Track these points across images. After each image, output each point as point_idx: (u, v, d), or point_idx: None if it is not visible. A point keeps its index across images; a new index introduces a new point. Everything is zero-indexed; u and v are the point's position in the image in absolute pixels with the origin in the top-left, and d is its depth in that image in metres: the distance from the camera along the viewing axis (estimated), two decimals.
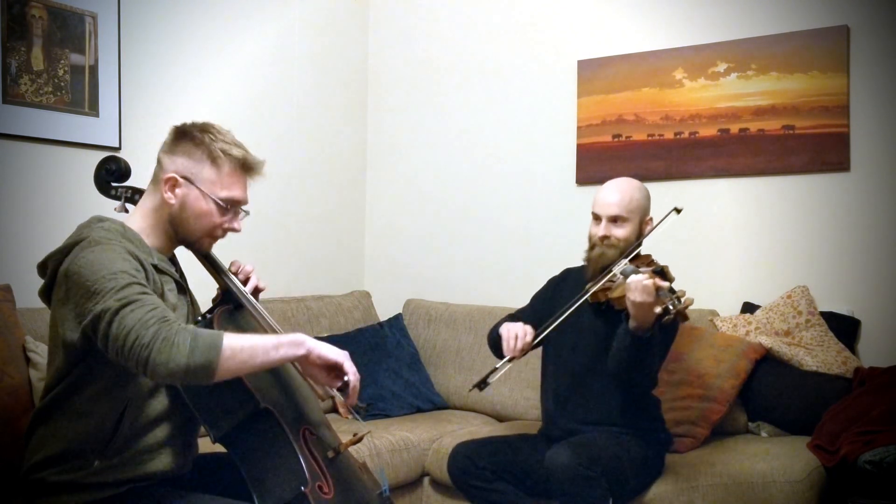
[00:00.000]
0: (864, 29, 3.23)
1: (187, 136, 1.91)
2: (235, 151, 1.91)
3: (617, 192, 2.71)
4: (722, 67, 3.47)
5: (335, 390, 1.93)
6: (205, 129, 1.92)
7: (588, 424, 2.69)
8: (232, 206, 1.94)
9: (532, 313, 2.90)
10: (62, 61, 3.02)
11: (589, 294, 2.63)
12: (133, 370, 1.67)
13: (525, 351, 2.60)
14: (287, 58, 3.95)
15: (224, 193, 1.91)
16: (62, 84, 3.02)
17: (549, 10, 3.91)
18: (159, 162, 1.93)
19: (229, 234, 2.01)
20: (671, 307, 2.29)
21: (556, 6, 3.89)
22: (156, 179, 1.93)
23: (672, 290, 2.36)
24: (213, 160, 1.89)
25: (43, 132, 2.98)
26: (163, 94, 3.34)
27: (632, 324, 2.44)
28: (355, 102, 4.32)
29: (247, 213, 1.99)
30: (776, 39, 3.37)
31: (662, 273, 2.47)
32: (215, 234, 1.96)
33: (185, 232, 1.93)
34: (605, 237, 2.69)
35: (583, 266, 2.89)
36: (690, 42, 3.55)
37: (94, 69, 3.12)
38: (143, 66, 3.30)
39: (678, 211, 2.62)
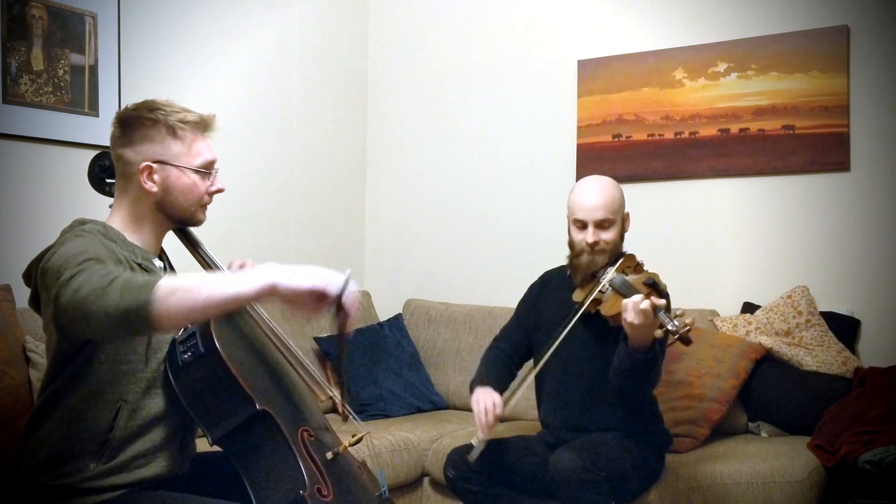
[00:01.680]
0: (864, 29, 3.23)
1: (137, 122, 1.88)
2: (190, 117, 1.90)
3: (600, 195, 2.61)
4: (722, 67, 3.47)
5: (333, 390, 1.87)
6: (150, 107, 1.89)
7: (586, 432, 2.66)
8: (209, 170, 1.93)
9: (518, 327, 2.87)
10: (62, 61, 3.02)
11: (582, 308, 2.56)
12: (82, 334, 1.59)
13: (497, 422, 2.54)
14: (287, 57, 3.95)
15: (198, 161, 1.90)
16: (62, 84, 3.02)
17: (549, 10, 3.91)
18: (121, 157, 1.89)
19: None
20: (671, 328, 2.23)
21: (556, 6, 3.89)
22: (125, 174, 1.89)
23: (668, 308, 2.30)
24: (175, 134, 1.87)
25: (43, 132, 2.98)
26: (163, 94, 3.29)
27: (632, 343, 2.37)
28: (355, 102, 4.32)
29: (217, 169, 1.97)
30: (776, 39, 3.37)
31: (655, 285, 2.41)
32: (204, 201, 1.95)
33: (177, 212, 1.91)
34: (595, 243, 2.59)
35: (562, 267, 2.84)
36: (690, 42, 3.55)
37: (94, 69, 3.12)
38: (143, 66, 3.30)
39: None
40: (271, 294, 1.59)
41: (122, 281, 1.55)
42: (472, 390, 2.68)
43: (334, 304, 1.63)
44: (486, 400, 2.54)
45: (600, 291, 2.53)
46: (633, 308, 2.27)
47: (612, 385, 2.57)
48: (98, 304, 1.53)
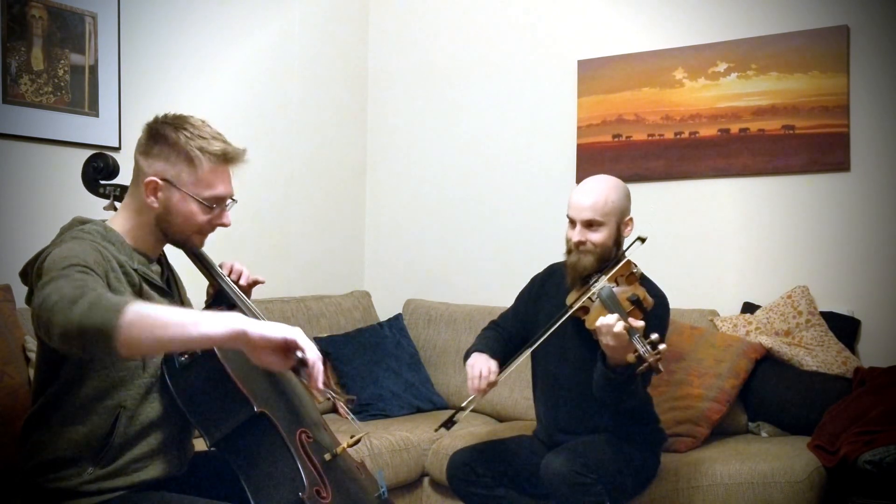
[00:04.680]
0: (864, 29, 3.23)
1: (161, 137, 1.84)
2: (214, 147, 1.84)
3: (591, 195, 2.57)
4: (722, 67, 3.47)
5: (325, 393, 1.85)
6: (179, 125, 1.85)
7: (580, 434, 2.65)
8: (217, 204, 1.88)
9: (514, 318, 2.86)
10: (62, 61, 3.02)
11: (568, 313, 2.53)
12: (45, 339, 1.56)
13: (490, 388, 2.54)
14: (287, 58, 3.95)
15: (207, 193, 1.85)
16: (62, 84, 3.02)
17: (549, 10, 3.91)
18: (136, 162, 1.88)
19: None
20: (644, 355, 2.17)
21: (556, 6, 3.89)
22: (136, 181, 1.88)
23: (646, 335, 2.22)
24: (191, 162, 1.82)
25: (43, 132, 2.98)
26: (163, 94, 3.34)
27: (609, 361, 2.35)
28: (355, 102, 4.32)
29: (234, 201, 1.93)
30: (776, 39, 3.37)
31: (639, 302, 2.37)
32: (204, 231, 1.91)
33: (173, 232, 1.89)
34: (580, 243, 2.56)
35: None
36: (690, 42, 3.54)
37: (94, 69, 3.12)
38: (143, 66, 3.30)
39: (643, 241, 2.50)
40: (239, 340, 1.54)
41: (93, 297, 1.51)
42: (466, 358, 2.68)
43: (300, 362, 1.61)
44: (481, 365, 2.55)
45: (589, 299, 2.50)
46: (607, 329, 2.25)
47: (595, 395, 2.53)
48: (63, 315, 1.48)
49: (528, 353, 2.58)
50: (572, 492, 2.38)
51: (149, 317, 1.49)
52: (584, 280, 2.58)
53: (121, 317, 1.47)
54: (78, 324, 1.47)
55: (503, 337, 2.81)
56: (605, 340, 2.28)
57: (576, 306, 2.50)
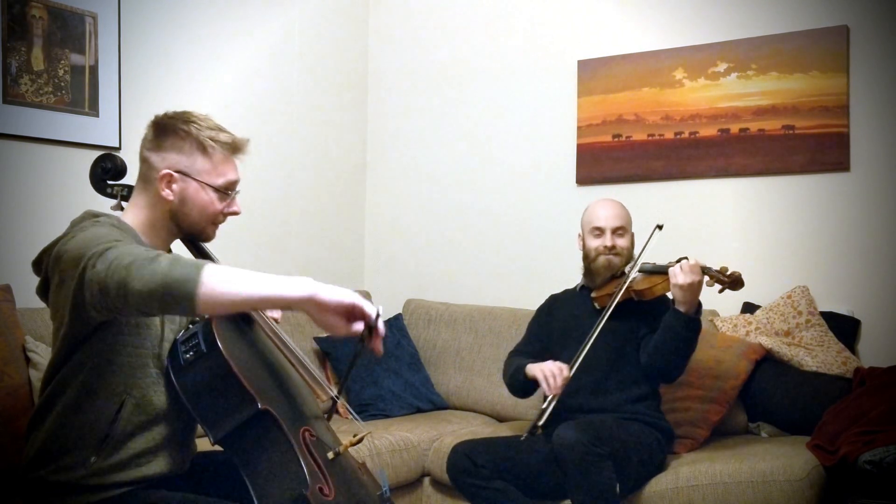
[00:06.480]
0: (864, 29, 3.23)
1: (170, 130, 1.89)
2: (223, 137, 1.91)
3: (614, 208, 2.96)
4: (722, 67, 3.48)
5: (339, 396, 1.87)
6: (186, 119, 1.90)
7: (593, 412, 2.78)
8: (230, 190, 1.95)
9: (530, 342, 3.07)
10: (62, 61, 3.02)
11: (619, 294, 2.75)
12: (113, 303, 1.58)
13: (566, 383, 2.67)
14: (287, 58, 3.95)
15: (221, 180, 1.91)
16: (62, 84, 3.02)
17: (549, 10, 3.91)
18: (146, 160, 1.91)
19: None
20: (724, 278, 2.47)
21: (556, 6, 3.89)
22: (146, 178, 1.91)
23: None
24: (204, 150, 1.88)
25: (43, 132, 2.98)
26: (163, 94, 3.34)
27: (680, 308, 2.64)
28: (355, 102, 4.32)
29: (238, 192, 1.98)
30: (776, 39, 3.37)
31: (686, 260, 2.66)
32: (218, 220, 1.96)
33: (188, 224, 1.92)
34: (612, 246, 2.89)
35: (566, 291, 3.08)
36: (690, 42, 3.55)
37: (94, 69, 3.12)
38: (143, 66, 3.30)
39: (660, 227, 2.79)
40: (310, 302, 1.59)
41: (171, 257, 1.58)
42: (514, 378, 2.88)
43: (369, 325, 1.66)
44: (550, 366, 2.70)
45: (630, 284, 2.77)
46: (683, 267, 2.61)
47: (651, 364, 2.75)
48: (144, 272, 1.54)
49: (589, 344, 2.71)
50: (585, 462, 2.46)
51: (230, 273, 1.57)
52: (612, 278, 2.88)
53: (203, 272, 1.53)
54: (163, 276, 1.53)
55: (529, 357, 2.96)
56: (683, 280, 2.60)
57: (622, 289, 2.75)
